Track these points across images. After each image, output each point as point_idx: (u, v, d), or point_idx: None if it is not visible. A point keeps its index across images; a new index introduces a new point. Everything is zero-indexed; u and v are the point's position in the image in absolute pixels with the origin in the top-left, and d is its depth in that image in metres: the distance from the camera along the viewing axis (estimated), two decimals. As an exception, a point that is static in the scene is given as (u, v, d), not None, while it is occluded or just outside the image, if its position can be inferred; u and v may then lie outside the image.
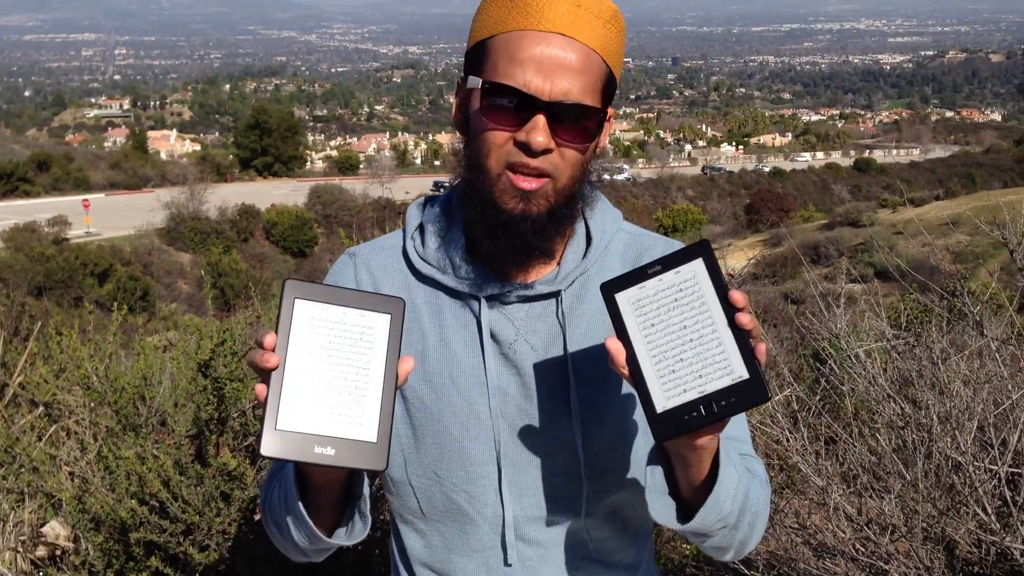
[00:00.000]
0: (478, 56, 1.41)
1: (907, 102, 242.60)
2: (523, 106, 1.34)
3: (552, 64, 1.34)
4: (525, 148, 1.35)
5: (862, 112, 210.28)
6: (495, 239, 1.41)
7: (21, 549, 3.66)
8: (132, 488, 3.16)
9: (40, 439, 3.91)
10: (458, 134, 1.49)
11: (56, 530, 3.64)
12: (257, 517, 3.27)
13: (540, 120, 1.34)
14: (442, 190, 1.58)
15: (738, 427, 1.53)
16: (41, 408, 4.22)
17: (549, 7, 1.35)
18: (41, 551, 3.67)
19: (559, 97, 1.34)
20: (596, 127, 1.39)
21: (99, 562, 3.22)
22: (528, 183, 1.37)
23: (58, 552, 3.66)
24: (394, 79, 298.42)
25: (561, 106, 1.34)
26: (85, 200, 48.46)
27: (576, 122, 1.36)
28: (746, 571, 3.03)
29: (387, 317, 1.25)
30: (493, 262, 1.47)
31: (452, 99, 1.53)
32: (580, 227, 1.51)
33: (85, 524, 3.21)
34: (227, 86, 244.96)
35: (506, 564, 1.48)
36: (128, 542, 3.15)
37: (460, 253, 1.47)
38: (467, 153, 1.43)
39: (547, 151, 1.36)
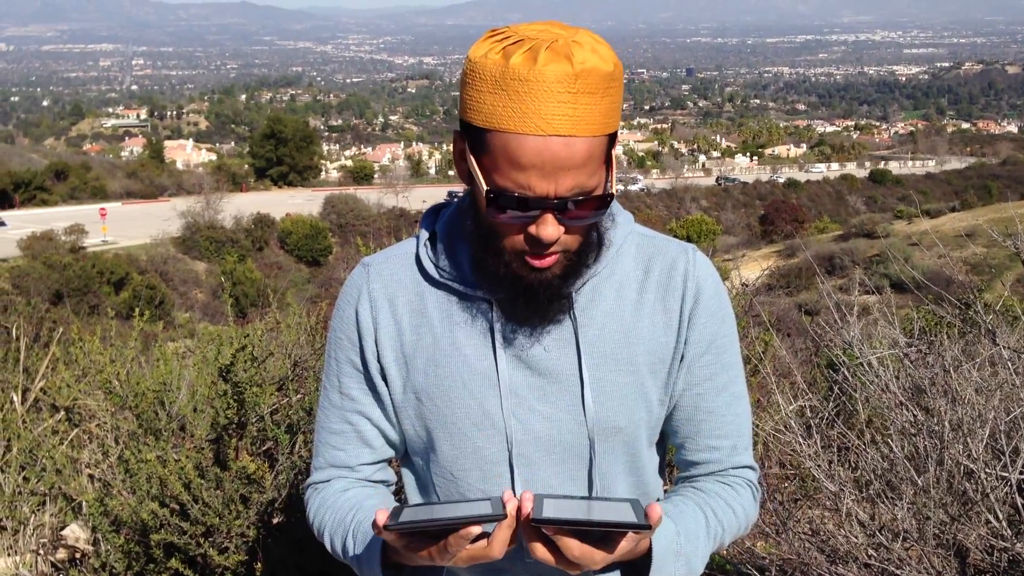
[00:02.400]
0: (476, 139, 1.38)
1: (923, 113, 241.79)
2: (530, 207, 1.35)
3: (555, 166, 1.32)
4: (535, 241, 1.38)
5: (877, 123, 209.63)
6: (516, 305, 1.45)
7: (42, 552, 3.71)
8: (153, 491, 3.20)
9: (62, 443, 3.97)
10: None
11: (76, 533, 3.69)
12: (276, 521, 3.31)
13: (548, 217, 1.36)
14: (455, 200, 1.61)
15: (734, 425, 1.58)
16: (62, 412, 4.27)
17: (544, 105, 1.30)
18: (61, 554, 3.72)
19: (564, 194, 1.35)
20: (603, 206, 1.40)
21: (119, 564, 3.26)
22: (543, 262, 1.41)
23: (78, 555, 3.70)
24: (409, 89, 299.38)
25: (568, 200, 1.36)
26: (102, 209, 48.76)
27: (583, 208, 1.38)
28: (759, 576, 3.05)
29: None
30: None
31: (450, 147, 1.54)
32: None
33: (106, 526, 3.25)
34: (243, 96, 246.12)
35: (524, 561, 1.51)
36: (148, 544, 3.19)
37: (469, 262, 1.50)
38: (477, 219, 1.45)
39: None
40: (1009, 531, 2.70)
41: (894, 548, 2.80)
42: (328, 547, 1.56)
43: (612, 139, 1.40)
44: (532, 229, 1.37)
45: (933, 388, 3.10)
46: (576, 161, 1.33)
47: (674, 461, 1.65)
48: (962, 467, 2.85)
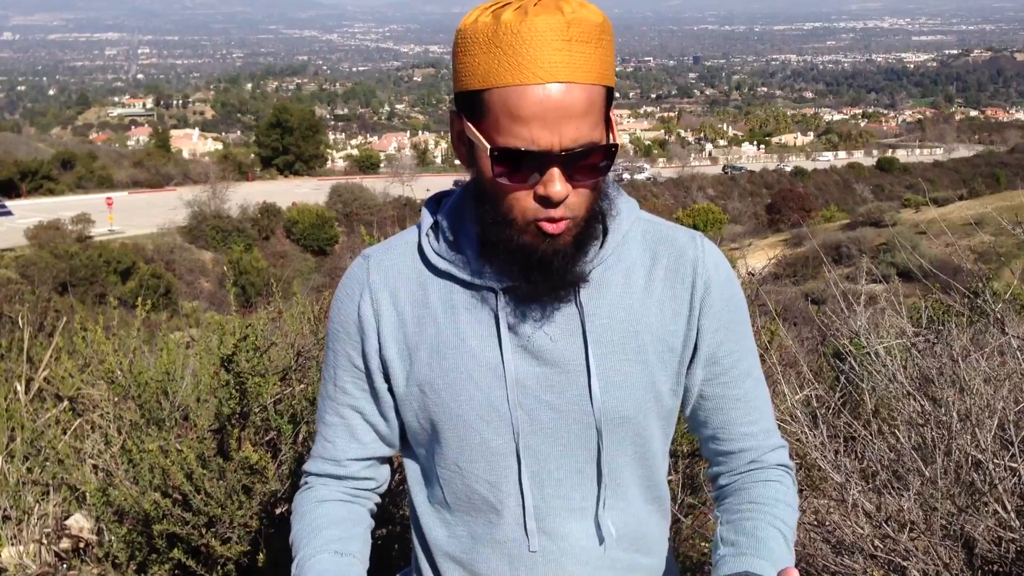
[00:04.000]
0: (474, 106, 1.36)
1: (931, 101, 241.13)
2: (535, 162, 1.33)
3: (556, 115, 1.30)
4: (545, 200, 1.35)
5: (885, 111, 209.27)
6: (530, 279, 1.41)
7: (45, 541, 3.71)
8: (155, 481, 3.20)
9: (65, 433, 3.96)
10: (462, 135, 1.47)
11: (80, 523, 3.69)
12: (279, 511, 3.30)
13: (555, 172, 1.33)
14: (459, 188, 1.57)
15: (762, 409, 1.57)
16: (66, 402, 4.27)
17: (540, 54, 1.29)
18: (65, 543, 3.71)
19: (569, 145, 1.32)
20: (608, 157, 1.38)
21: (122, 554, 3.25)
22: (555, 227, 1.38)
23: (82, 544, 3.70)
24: (415, 78, 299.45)
25: (573, 153, 1.33)
26: (108, 198, 48.87)
27: (588, 160, 1.36)
28: (764, 567, 3.03)
29: None
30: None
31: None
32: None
33: (109, 516, 3.25)
34: (249, 85, 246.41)
35: (529, 553, 1.49)
36: (151, 534, 3.18)
37: (473, 250, 1.47)
38: (480, 192, 1.43)
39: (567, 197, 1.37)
40: (1017, 522, 2.68)
41: (900, 539, 2.78)
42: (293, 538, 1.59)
43: (610, 96, 1.39)
44: (540, 189, 1.34)
45: (941, 378, 3.08)
46: (577, 109, 1.31)
47: (702, 454, 1.63)
48: (970, 458, 2.82)
